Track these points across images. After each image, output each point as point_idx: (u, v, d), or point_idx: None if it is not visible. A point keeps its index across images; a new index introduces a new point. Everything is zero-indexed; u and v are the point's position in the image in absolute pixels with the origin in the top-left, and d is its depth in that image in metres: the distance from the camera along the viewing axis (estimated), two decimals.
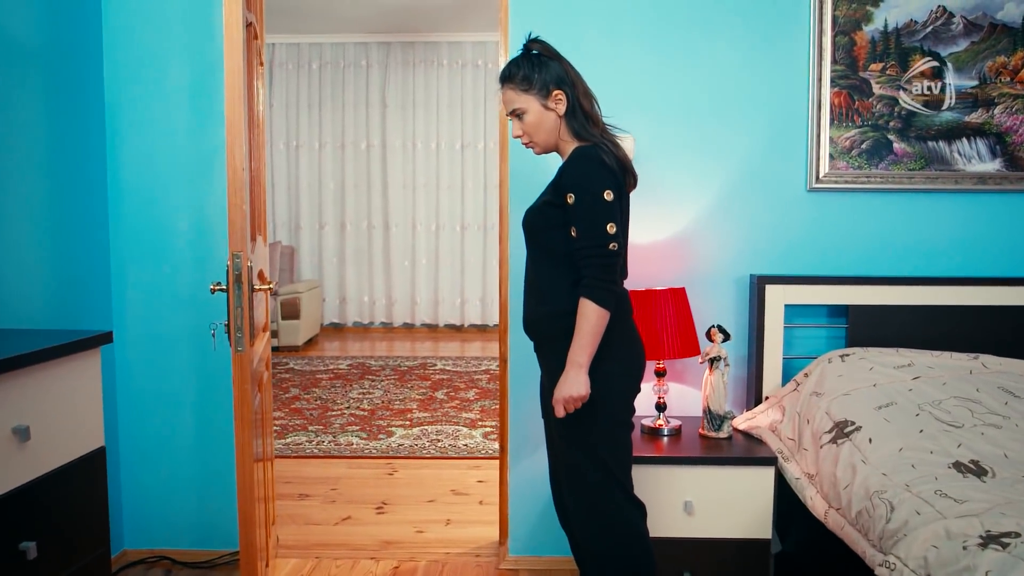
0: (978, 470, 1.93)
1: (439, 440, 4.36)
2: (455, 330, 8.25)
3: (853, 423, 2.22)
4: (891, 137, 2.71)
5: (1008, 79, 2.68)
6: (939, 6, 2.67)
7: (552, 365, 1.96)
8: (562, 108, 1.95)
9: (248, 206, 2.24)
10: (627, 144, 2.39)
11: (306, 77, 8.07)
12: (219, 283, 2.14)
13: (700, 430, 2.56)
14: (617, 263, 1.87)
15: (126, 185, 2.76)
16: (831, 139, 2.70)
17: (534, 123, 1.96)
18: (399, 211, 8.17)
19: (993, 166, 2.70)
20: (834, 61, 2.68)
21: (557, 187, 1.91)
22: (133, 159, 2.75)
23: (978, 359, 2.49)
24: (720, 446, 2.45)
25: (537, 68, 1.94)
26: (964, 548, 1.54)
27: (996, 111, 2.69)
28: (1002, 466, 1.94)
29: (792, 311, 2.72)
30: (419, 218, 8.17)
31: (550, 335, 1.96)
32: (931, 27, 2.68)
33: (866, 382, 2.39)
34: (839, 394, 2.36)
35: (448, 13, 7.11)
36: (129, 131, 2.74)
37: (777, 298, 2.64)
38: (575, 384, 1.83)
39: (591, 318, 1.83)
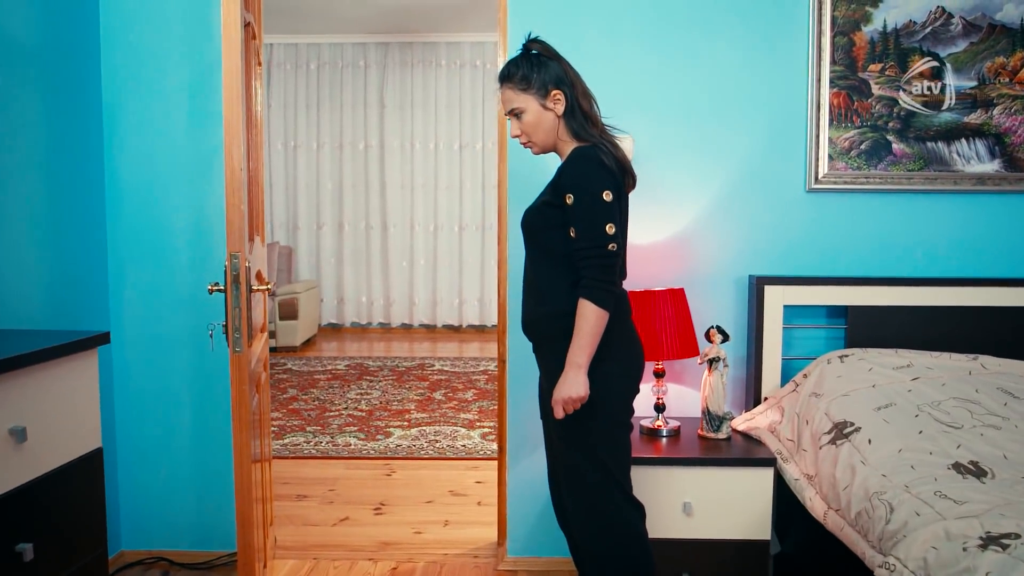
0: (977, 471, 1.92)
1: (437, 441, 4.35)
2: (453, 331, 8.24)
3: (852, 424, 2.22)
4: (890, 138, 2.70)
5: (1007, 80, 2.68)
6: (938, 7, 2.67)
7: (551, 366, 1.95)
8: (561, 108, 1.95)
9: (246, 206, 2.24)
10: (626, 144, 2.39)
11: (304, 77, 8.06)
12: (217, 283, 2.13)
13: (699, 431, 2.56)
14: (616, 264, 1.87)
15: (124, 185, 2.76)
16: (830, 140, 2.70)
17: (532, 123, 1.96)
18: (397, 211, 8.16)
19: (992, 167, 2.70)
20: (833, 62, 2.68)
21: (556, 187, 1.91)
22: (131, 159, 2.75)
23: (977, 360, 2.49)
24: (719, 447, 2.45)
25: (536, 68, 1.93)
26: (964, 549, 1.54)
27: (995, 112, 2.69)
28: (1001, 467, 1.94)
29: (791, 312, 2.72)
30: (417, 218, 8.17)
31: (549, 336, 1.95)
32: (930, 28, 2.68)
33: (865, 383, 2.39)
34: (838, 395, 2.36)
35: (447, 13, 7.10)
36: (127, 131, 2.74)
37: (776, 299, 2.63)
38: (574, 385, 1.82)
39: (590, 319, 1.82)
